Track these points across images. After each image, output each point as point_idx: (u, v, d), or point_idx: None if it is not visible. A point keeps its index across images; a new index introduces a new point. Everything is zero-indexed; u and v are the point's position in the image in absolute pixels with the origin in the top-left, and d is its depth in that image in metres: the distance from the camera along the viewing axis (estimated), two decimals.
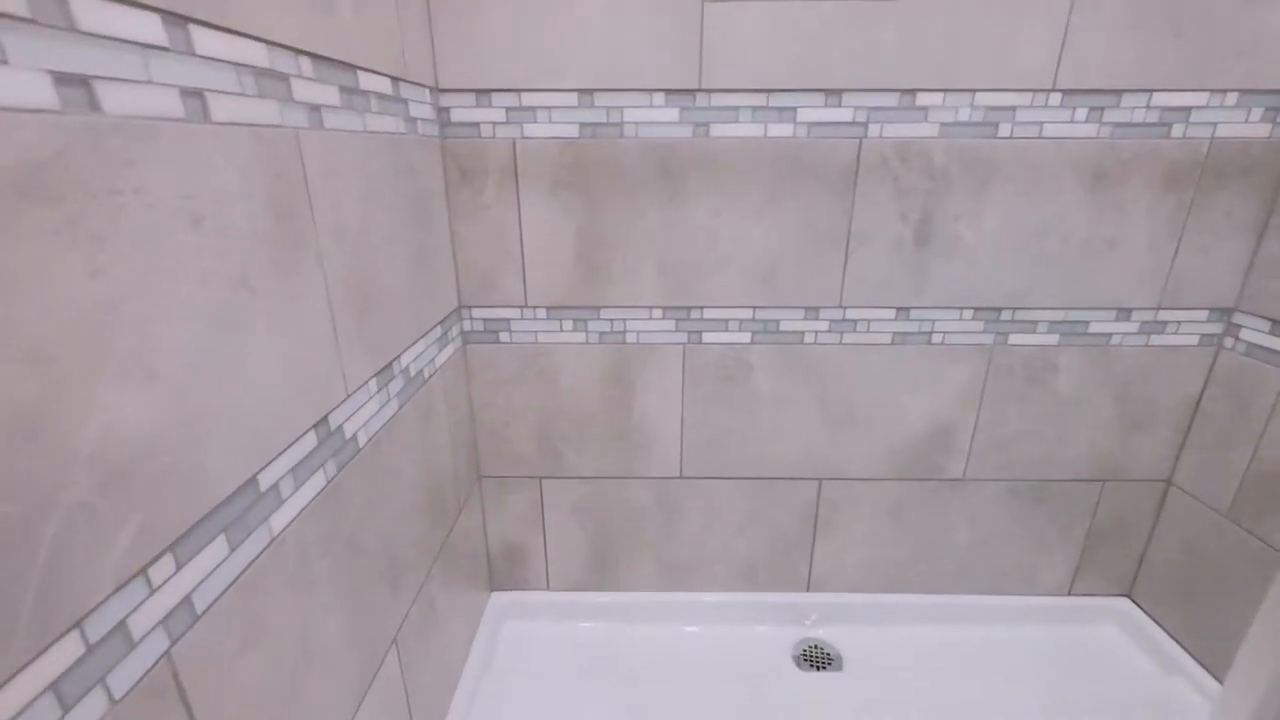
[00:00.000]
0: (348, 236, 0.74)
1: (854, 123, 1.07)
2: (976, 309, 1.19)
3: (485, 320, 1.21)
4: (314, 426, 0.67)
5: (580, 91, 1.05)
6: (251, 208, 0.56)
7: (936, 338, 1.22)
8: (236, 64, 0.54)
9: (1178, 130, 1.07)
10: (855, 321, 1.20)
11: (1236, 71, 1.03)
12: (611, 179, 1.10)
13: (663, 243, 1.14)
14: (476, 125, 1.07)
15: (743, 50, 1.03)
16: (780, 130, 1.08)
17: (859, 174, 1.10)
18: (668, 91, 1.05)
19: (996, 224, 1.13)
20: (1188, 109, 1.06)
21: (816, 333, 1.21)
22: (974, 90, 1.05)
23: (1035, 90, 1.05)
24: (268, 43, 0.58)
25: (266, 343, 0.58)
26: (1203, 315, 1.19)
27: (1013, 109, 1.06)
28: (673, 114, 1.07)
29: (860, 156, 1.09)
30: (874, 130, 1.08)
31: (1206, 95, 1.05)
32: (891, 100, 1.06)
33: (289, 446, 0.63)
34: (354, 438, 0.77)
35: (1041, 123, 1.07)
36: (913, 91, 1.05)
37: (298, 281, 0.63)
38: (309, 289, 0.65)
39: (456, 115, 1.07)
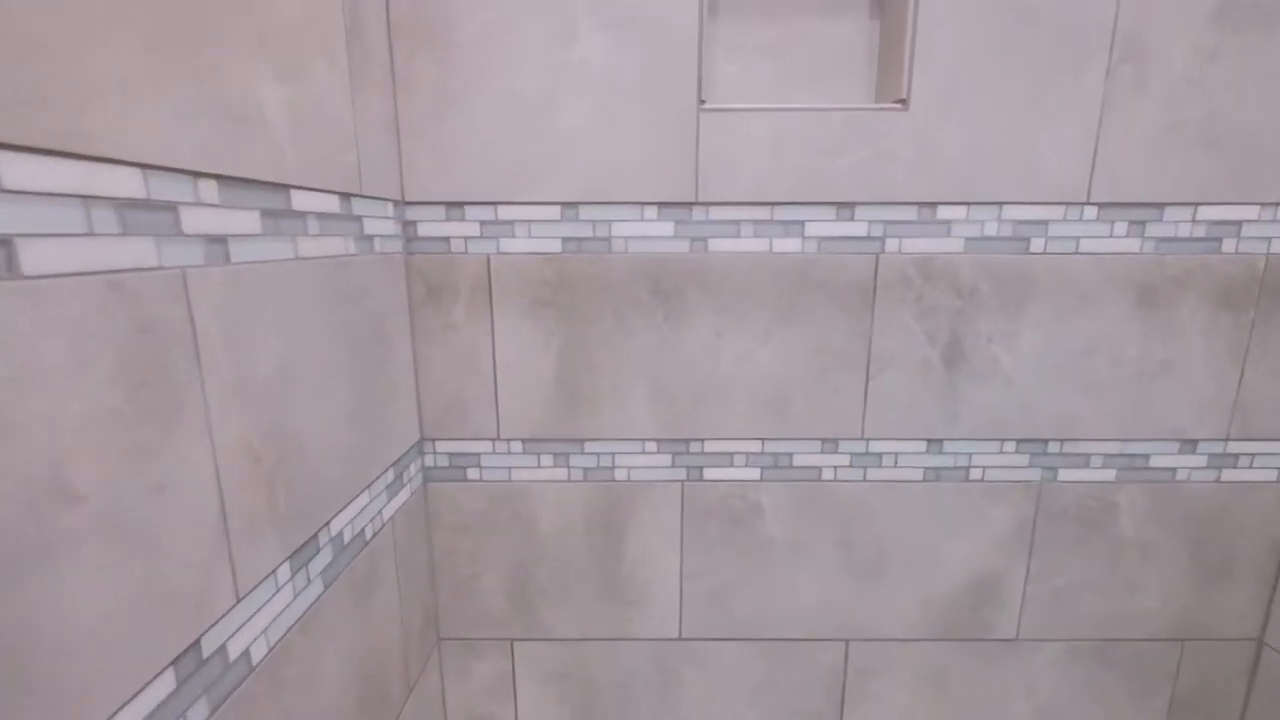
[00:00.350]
0: (255, 388, 0.58)
1: (869, 237, 0.96)
2: (1019, 440, 1.03)
3: (451, 455, 1.03)
4: (175, 661, 0.49)
5: (564, 204, 0.94)
6: (86, 383, 0.40)
7: (975, 473, 1.05)
8: (84, 197, 0.40)
9: (1229, 245, 0.96)
10: (880, 455, 1.04)
11: None
12: (598, 297, 0.97)
13: (657, 366, 1.00)
14: (447, 240, 0.95)
15: (743, 161, 0.93)
16: (787, 245, 0.96)
17: (877, 292, 0.98)
18: (661, 204, 0.95)
19: (1036, 345, 0.99)
20: (1238, 223, 0.95)
21: (836, 468, 1.04)
22: (1000, 203, 0.95)
23: (1068, 204, 0.95)
24: (144, 167, 0.45)
25: (94, 568, 0.41)
26: (1277, 447, 1.04)
27: (1045, 223, 0.95)
28: (667, 228, 0.96)
29: (878, 273, 0.97)
30: (891, 245, 0.96)
31: (1257, 209, 0.95)
32: (910, 214, 0.95)
33: (128, 702, 0.44)
34: (245, 654, 0.57)
35: (1077, 237, 0.96)
36: (933, 205, 0.95)
37: (162, 465, 0.47)
38: (182, 471, 0.49)
39: (425, 229, 0.95)
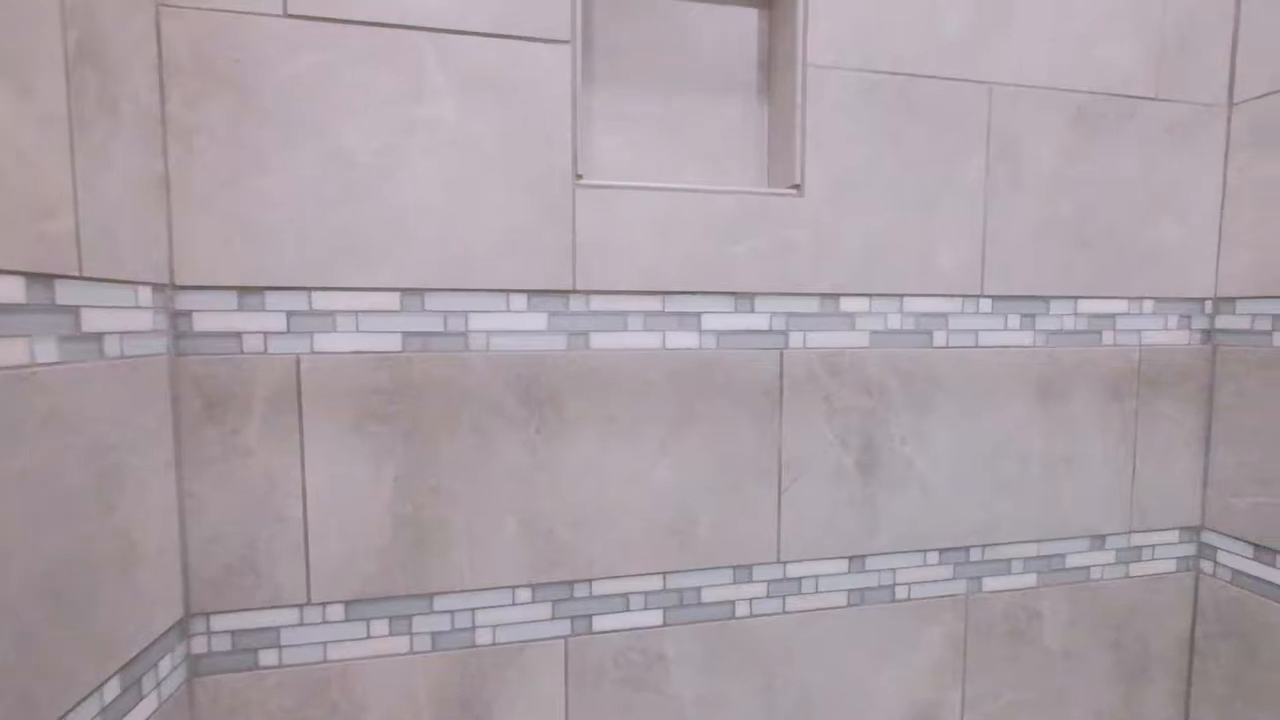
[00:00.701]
0: None
1: (772, 331, 0.85)
2: (942, 550, 0.93)
3: (235, 634, 0.73)
4: None
5: (405, 291, 0.74)
6: None
7: (900, 591, 0.92)
8: None
9: (1108, 337, 0.97)
10: (800, 580, 0.89)
11: (1145, 280, 0.97)
12: (452, 407, 0.76)
13: (529, 492, 0.79)
14: (238, 336, 0.71)
15: (628, 244, 0.79)
16: (683, 340, 0.82)
17: (785, 391, 0.86)
18: (531, 293, 0.78)
19: (948, 445, 0.92)
20: (1113, 316, 0.97)
21: (751, 600, 0.87)
22: (901, 295, 0.89)
23: (964, 296, 0.91)
24: None
25: None
26: (1174, 536, 1.02)
27: (945, 315, 0.90)
28: (539, 320, 0.78)
29: (784, 371, 0.86)
30: (796, 340, 0.86)
31: (1126, 303, 0.97)
32: (812, 305, 0.86)
33: None
34: None
35: (977, 330, 0.92)
36: (835, 296, 0.87)
37: None
38: None
39: (204, 323, 0.70)
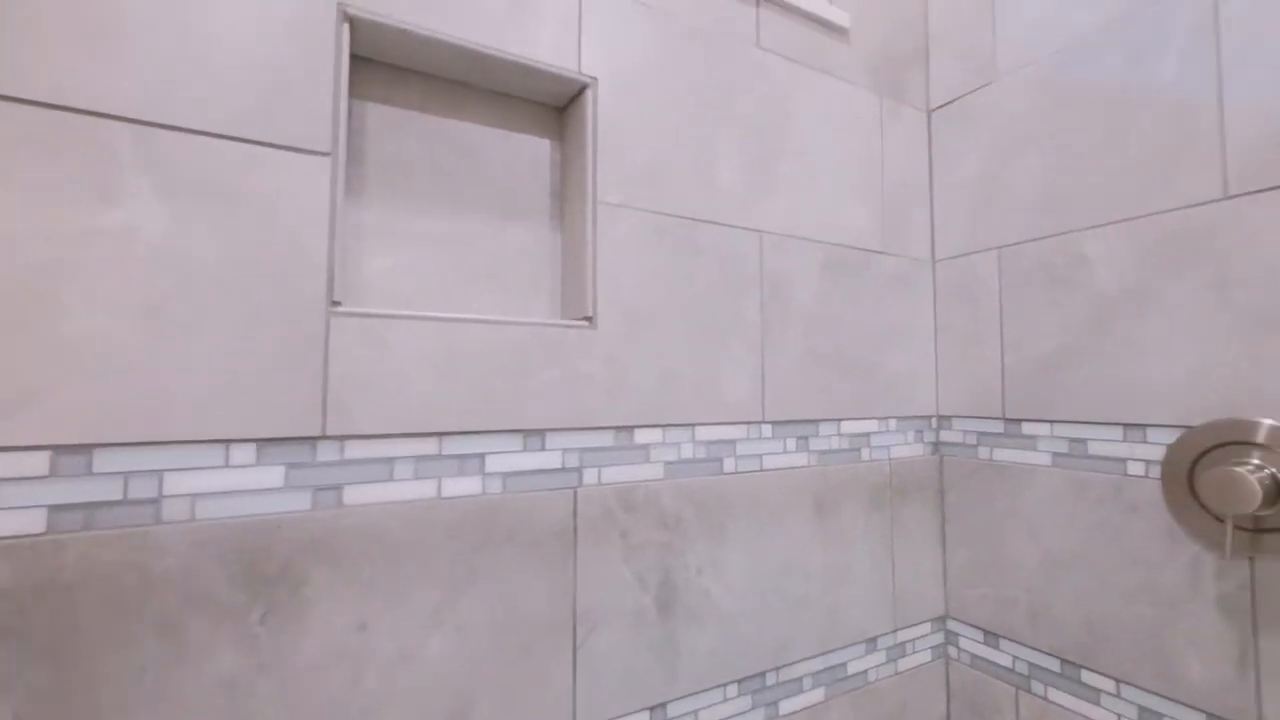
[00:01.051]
0: None
1: (565, 469, 0.79)
2: (740, 681, 0.92)
3: None
4: None
5: (61, 449, 0.55)
6: None
7: None
8: None
9: (865, 454, 1.09)
10: None
11: (889, 403, 1.12)
12: (123, 605, 0.56)
13: (247, 709, 0.60)
14: None
15: (400, 380, 0.69)
16: (462, 486, 0.73)
17: (579, 533, 0.80)
18: (264, 442, 0.63)
19: (741, 570, 0.93)
20: (867, 434, 1.09)
21: None
22: (693, 425, 0.90)
23: (749, 423, 0.95)
24: None
25: None
26: (927, 628, 1.15)
27: (733, 442, 0.94)
28: (273, 476, 0.63)
29: (578, 510, 0.80)
30: (590, 476, 0.81)
31: (876, 422, 1.11)
32: (606, 439, 0.83)
33: None
34: None
35: (761, 455, 0.96)
36: (629, 429, 0.85)
37: None
38: None
39: None
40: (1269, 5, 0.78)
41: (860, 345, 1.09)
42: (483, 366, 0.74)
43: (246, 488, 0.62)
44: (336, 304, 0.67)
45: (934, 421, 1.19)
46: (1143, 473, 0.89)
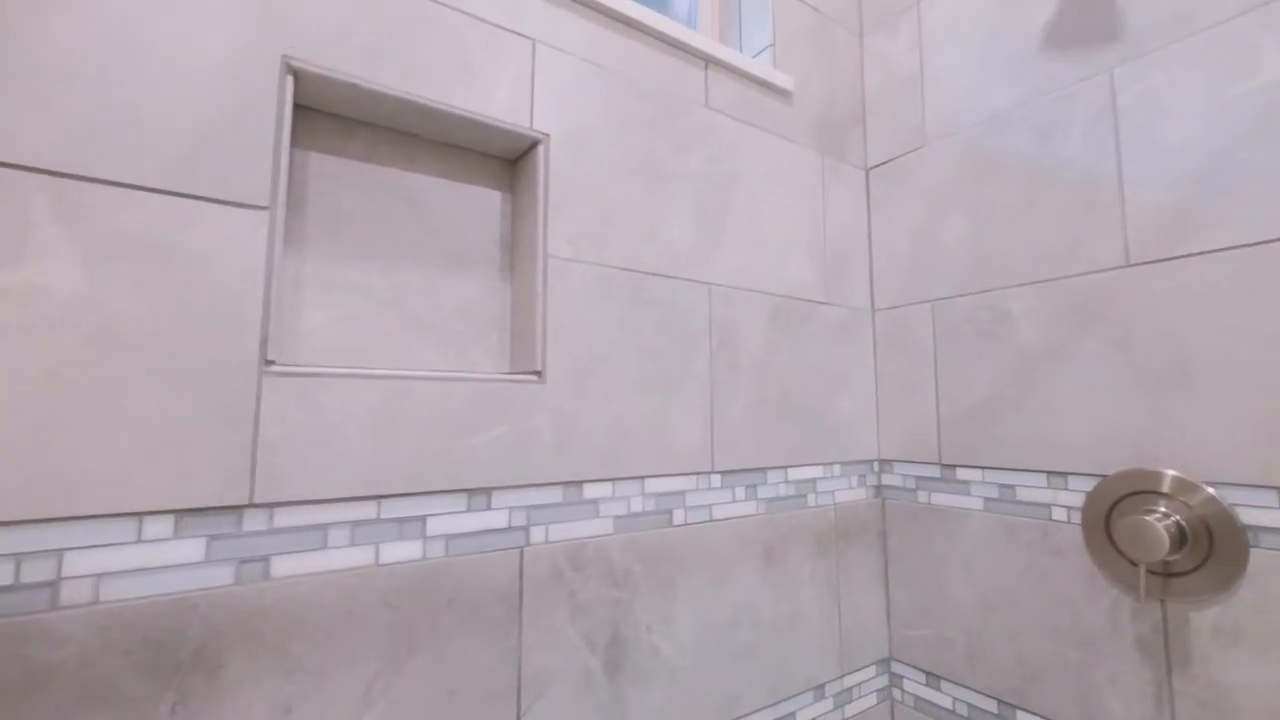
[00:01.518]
0: None
1: (511, 528, 0.77)
2: None
3: None
4: None
5: None
6: None
7: None
8: None
9: (812, 499, 1.11)
10: None
11: (834, 449, 1.16)
12: (8, 710, 0.50)
13: None
14: None
15: (336, 442, 0.66)
16: (402, 551, 0.70)
17: (524, 595, 0.77)
18: (182, 513, 0.58)
19: (691, 624, 0.92)
20: (813, 480, 1.12)
21: None
22: (643, 477, 0.90)
23: (699, 473, 0.96)
24: None
25: None
26: (872, 671, 1.17)
27: (682, 493, 0.94)
28: (192, 549, 0.58)
29: (524, 572, 0.78)
30: (538, 534, 0.79)
31: (822, 468, 1.13)
32: (555, 495, 0.81)
33: None
34: None
35: (710, 505, 0.97)
36: (578, 484, 0.84)
37: None
38: None
39: None
40: (1158, 103, 0.88)
41: (806, 393, 1.12)
42: (426, 425, 0.72)
43: (161, 564, 0.57)
44: (270, 363, 0.64)
45: (876, 465, 1.23)
46: (1065, 518, 0.94)
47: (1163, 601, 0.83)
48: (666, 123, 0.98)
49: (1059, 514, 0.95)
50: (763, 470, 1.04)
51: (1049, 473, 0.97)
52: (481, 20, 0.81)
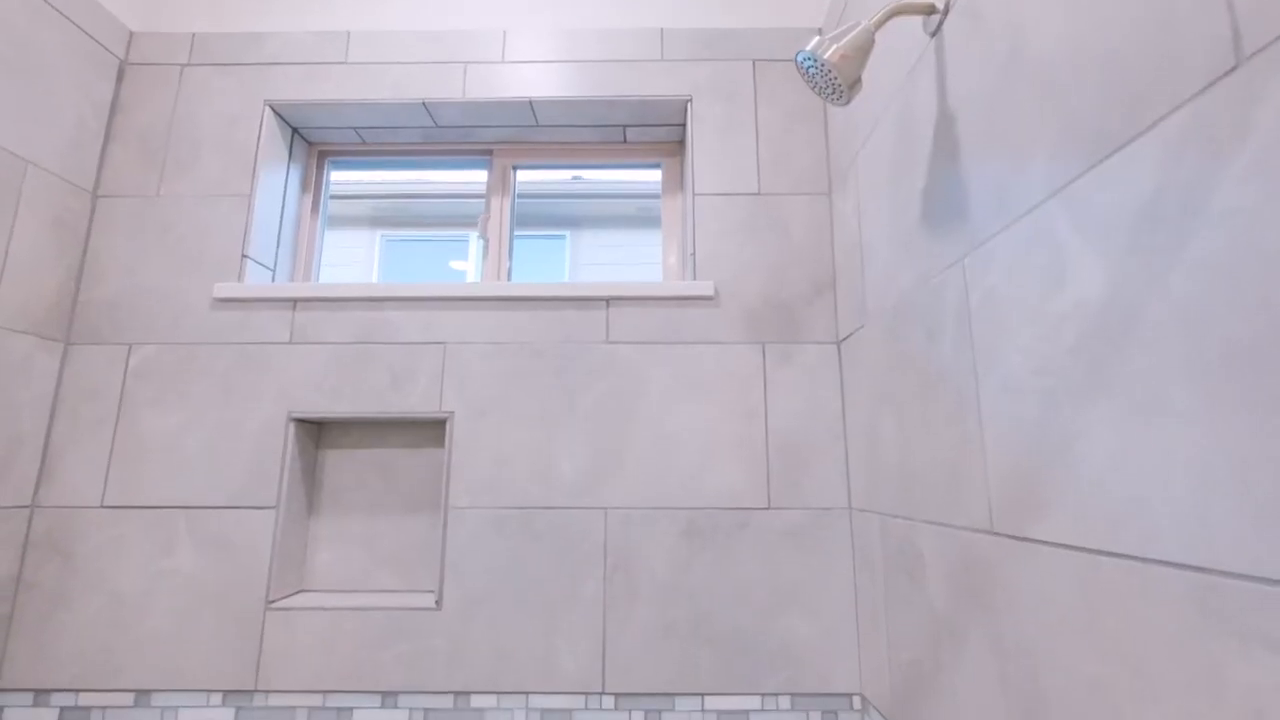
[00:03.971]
0: None
1: None
2: None
3: None
4: None
5: (138, 692, 1.06)
6: None
7: None
8: None
9: None
10: None
11: (780, 676, 1.04)
12: None
13: None
14: None
15: (301, 652, 1.06)
16: None
17: None
18: (225, 692, 1.06)
19: None
20: (746, 712, 1.03)
21: None
22: (527, 693, 1.05)
23: (587, 693, 1.04)
24: None
25: None
26: None
27: (569, 711, 1.04)
28: (228, 714, 1.05)
29: None
30: None
31: (759, 699, 1.04)
32: (446, 702, 1.05)
33: None
34: None
35: None
36: (467, 694, 1.05)
37: None
38: None
39: (11, 716, 1.05)
40: (997, 310, 0.65)
41: (734, 614, 1.06)
42: (355, 641, 1.07)
43: None
44: (271, 602, 1.09)
45: (855, 701, 1.03)
46: None
47: None
48: (561, 373, 1.16)
49: None
50: (670, 696, 1.04)
51: None
52: (405, 344, 1.18)
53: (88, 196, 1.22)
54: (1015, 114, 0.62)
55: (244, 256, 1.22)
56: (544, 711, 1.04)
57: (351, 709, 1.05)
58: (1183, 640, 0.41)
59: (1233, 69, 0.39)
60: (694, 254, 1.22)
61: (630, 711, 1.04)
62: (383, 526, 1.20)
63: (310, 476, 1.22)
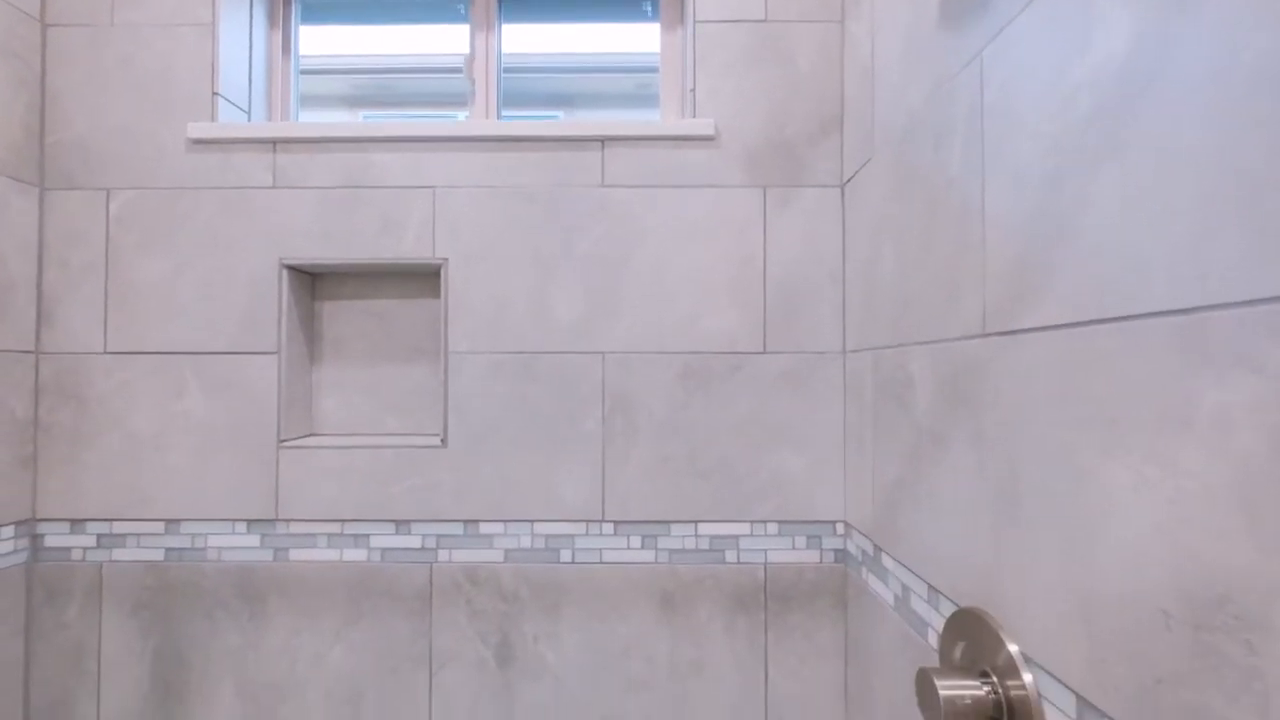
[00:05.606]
0: None
1: (424, 548, 1.12)
2: None
3: None
4: None
5: (168, 521, 1.13)
6: None
7: None
8: None
9: (731, 556, 1.11)
10: None
11: (769, 505, 1.11)
12: (191, 600, 1.12)
13: (241, 663, 1.11)
14: (68, 550, 1.13)
15: (316, 486, 1.12)
16: (355, 555, 1.12)
17: (434, 597, 1.11)
18: (249, 521, 1.13)
19: (578, 646, 1.11)
20: (735, 537, 1.11)
21: None
22: (531, 521, 1.12)
23: (588, 520, 1.11)
24: None
25: None
26: None
27: (571, 537, 1.11)
28: (254, 539, 1.13)
29: (433, 580, 1.12)
30: (444, 556, 1.12)
31: (749, 525, 1.11)
32: (457, 529, 1.12)
33: None
34: None
35: (600, 549, 1.11)
36: (475, 522, 1.12)
37: None
38: None
39: (51, 541, 1.13)
40: (1013, 101, 0.61)
41: (730, 449, 1.11)
42: (366, 477, 1.12)
43: (242, 545, 1.12)
44: (284, 441, 1.13)
45: (839, 528, 1.10)
46: (935, 645, 0.76)
47: None
48: (555, 217, 1.13)
49: (933, 637, 0.77)
50: (665, 524, 1.11)
51: (929, 584, 0.78)
52: (394, 188, 1.13)
53: (36, 24, 1.13)
54: None
55: (215, 94, 1.15)
56: (548, 537, 1.12)
57: (368, 535, 1.13)
58: (1161, 384, 0.42)
59: None
60: (694, 90, 1.14)
61: (629, 536, 1.12)
62: (386, 374, 1.22)
63: (309, 327, 1.22)
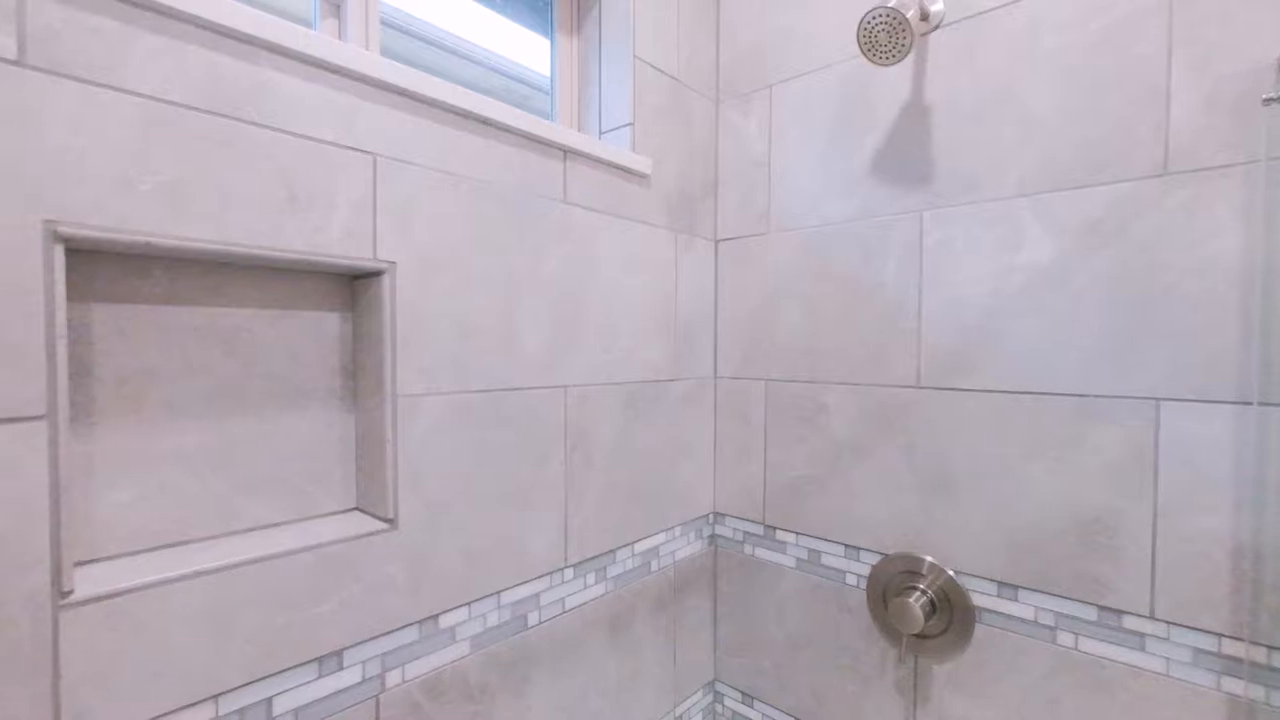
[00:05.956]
0: None
1: (364, 681, 0.78)
2: None
3: None
4: None
5: None
6: None
7: None
8: None
9: (655, 564, 1.23)
10: None
11: (676, 513, 1.28)
12: None
13: None
14: None
15: (154, 657, 0.61)
16: None
17: None
18: None
19: (545, 710, 1.00)
20: (657, 547, 1.23)
21: None
22: (498, 593, 0.93)
23: (552, 572, 1.02)
24: None
25: None
26: (700, 694, 1.36)
27: (536, 595, 0.99)
28: None
29: (380, 717, 0.79)
30: (394, 678, 0.81)
31: (665, 534, 1.25)
32: (411, 635, 0.82)
33: None
34: None
35: (563, 598, 1.04)
36: (434, 617, 0.85)
37: None
38: None
39: None
40: (952, 252, 1.04)
41: (655, 467, 1.21)
42: (267, 607, 0.68)
43: None
44: (67, 594, 0.56)
45: (711, 518, 1.38)
46: (855, 584, 1.16)
47: (916, 657, 1.08)
48: (525, 226, 0.96)
49: (851, 579, 1.17)
50: (612, 552, 1.13)
51: (846, 545, 1.17)
52: (310, 139, 0.72)
53: None
54: (996, 143, 0.99)
55: None
56: (514, 605, 0.96)
57: (269, 698, 0.69)
58: (1065, 427, 0.92)
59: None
60: (633, 125, 1.17)
61: (586, 575, 1.08)
62: (240, 432, 0.74)
63: (74, 356, 0.61)
